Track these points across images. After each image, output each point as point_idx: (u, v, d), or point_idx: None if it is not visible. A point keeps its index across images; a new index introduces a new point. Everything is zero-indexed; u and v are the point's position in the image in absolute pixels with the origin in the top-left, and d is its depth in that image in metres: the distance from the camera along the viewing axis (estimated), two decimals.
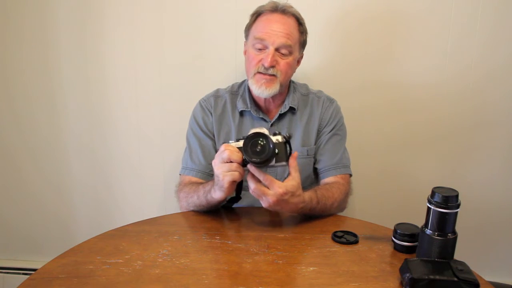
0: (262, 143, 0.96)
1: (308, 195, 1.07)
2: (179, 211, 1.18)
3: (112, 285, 0.80)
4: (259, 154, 0.95)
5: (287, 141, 1.00)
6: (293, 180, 1.00)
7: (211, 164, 1.21)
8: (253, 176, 0.99)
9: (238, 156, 0.98)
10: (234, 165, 0.98)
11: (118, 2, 1.56)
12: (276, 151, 0.97)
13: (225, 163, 0.99)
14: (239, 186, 1.15)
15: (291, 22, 1.20)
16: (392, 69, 1.58)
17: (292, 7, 1.22)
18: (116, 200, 1.76)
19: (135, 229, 1.03)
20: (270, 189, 0.98)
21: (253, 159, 0.95)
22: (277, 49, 1.17)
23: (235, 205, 1.23)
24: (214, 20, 1.56)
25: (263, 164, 0.96)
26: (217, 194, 1.04)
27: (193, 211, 1.16)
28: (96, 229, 1.09)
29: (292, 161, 1.00)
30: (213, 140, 1.27)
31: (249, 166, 0.98)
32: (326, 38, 1.56)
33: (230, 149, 0.99)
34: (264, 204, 1.01)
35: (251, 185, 0.99)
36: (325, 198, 1.12)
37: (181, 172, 1.27)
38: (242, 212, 1.17)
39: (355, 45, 1.56)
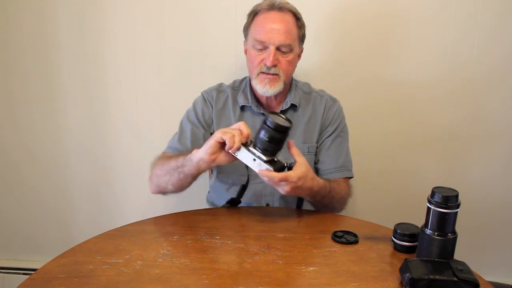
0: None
1: (322, 181, 1.10)
2: (179, 211, 1.18)
3: (112, 285, 0.80)
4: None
5: (286, 167, 1.02)
6: (301, 166, 1.01)
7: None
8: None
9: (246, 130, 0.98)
10: (236, 136, 0.97)
11: (117, 2, 1.57)
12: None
13: (232, 129, 0.99)
14: (242, 189, 1.17)
15: (289, 18, 1.20)
16: (391, 67, 1.58)
17: (288, 2, 1.22)
18: (116, 200, 1.76)
19: (135, 229, 1.03)
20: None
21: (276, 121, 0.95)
22: (277, 48, 1.17)
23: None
24: (214, 18, 1.56)
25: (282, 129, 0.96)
26: (198, 152, 1.03)
27: (162, 183, 1.15)
28: (96, 229, 1.09)
29: (293, 148, 1.02)
30: (206, 130, 1.27)
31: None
32: (323, 36, 1.56)
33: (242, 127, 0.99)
34: (282, 189, 1.02)
35: (264, 178, 0.98)
36: (334, 190, 1.15)
37: (164, 150, 1.27)
38: (242, 212, 1.17)
39: (354, 44, 1.56)
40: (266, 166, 0.97)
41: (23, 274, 1.81)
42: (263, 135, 0.97)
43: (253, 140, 1.00)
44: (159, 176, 1.16)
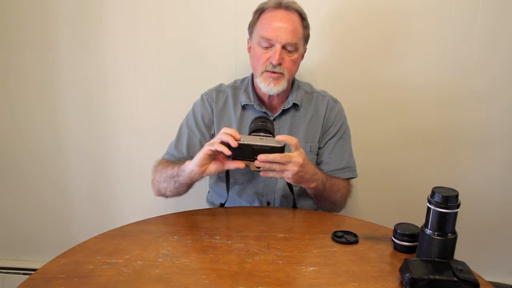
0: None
1: (320, 171, 1.14)
2: (179, 211, 1.18)
3: (112, 285, 0.80)
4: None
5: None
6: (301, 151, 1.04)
7: (191, 156, 1.23)
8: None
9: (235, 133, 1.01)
10: (222, 137, 1.00)
11: (118, 2, 1.57)
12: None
13: (216, 137, 1.01)
14: (220, 206, 1.21)
15: (295, 18, 1.21)
16: (392, 68, 1.58)
17: (295, 2, 1.23)
18: (116, 200, 1.76)
19: (135, 229, 1.03)
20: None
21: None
22: (283, 47, 1.18)
23: (234, 205, 1.23)
24: (214, 18, 1.56)
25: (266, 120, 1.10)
26: (190, 164, 1.06)
27: (162, 189, 1.19)
28: (96, 229, 1.09)
29: (289, 139, 1.02)
30: (202, 134, 1.28)
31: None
32: (323, 37, 1.55)
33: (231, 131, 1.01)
34: (291, 171, 1.02)
35: (276, 155, 0.99)
36: (334, 184, 1.18)
37: (163, 156, 1.29)
38: (242, 212, 1.17)
39: (354, 44, 1.56)
40: (276, 137, 1.01)
41: (23, 274, 1.81)
42: (260, 122, 1.06)
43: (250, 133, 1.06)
44: (158, 182, 1.20)
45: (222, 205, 1.23)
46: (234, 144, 0.98)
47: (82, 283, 0.81)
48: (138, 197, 1.74)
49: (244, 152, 1.00)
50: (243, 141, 0.99)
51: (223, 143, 1.00)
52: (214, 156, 1.04)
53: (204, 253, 0.94)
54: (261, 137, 1.01)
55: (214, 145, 1.00)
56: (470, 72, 1.56)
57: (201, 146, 1.26)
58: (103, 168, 1.73)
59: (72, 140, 1.71)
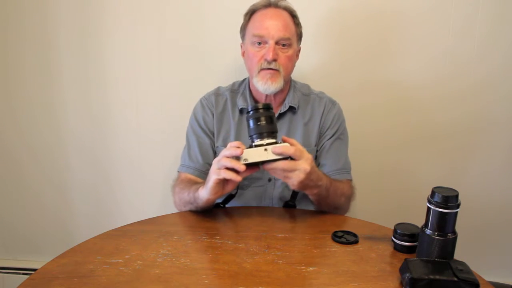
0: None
1: (323, 173, 1.09)
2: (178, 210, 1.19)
3: (112, 285, 0.80)
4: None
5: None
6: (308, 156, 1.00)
7: (208, 163, 1.23)
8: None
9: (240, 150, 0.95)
10: (226, 163, 0.95)
11: (118, 2, 1.57)
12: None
13: (219, 161, 0.97)
14: (229, 197, 1.17)
15: (286, 15, 1.22)
16: (391, 68, 1.58)
17: (284, 0, 1.24)
18: (116, 200, 1.76)
19: (135, 229, 1.03)
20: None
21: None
22: (276, 43, 1.18)
23: (234, 205, 1.23)
24: (214, 19, 1.56)
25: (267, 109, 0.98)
26: (202, 192, 1.04)
27: (185, 210, 1.16)
28: (96, 229, 1.09)
29: (286, 150, 0.97)
30: (211, 139, 1.28)
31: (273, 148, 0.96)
32: (322, 37, 1.56)
33: (235, 146, 0.96)
34: (297, 179, 0.98)
35: (280, 164, 0.96)
36: (336, 186, 1.14)
37: (179, 169, 1.28)
38: (242, 212, 1.17)
39: (353, 44, 1.56)
40: (279, 144, 0.96)
41: (23, 274, 1.81)
42: (259, 121, 0.97)
43: (251, 137, 0.99)
44: (179, 205, 1.18)
45: (232, 196, 1.19)
46: (241, 169, 0.94)
47: (82, 283, 0.81)
48: (138, 197, 1.75)
49: (251, 165, 0.97)
50: (247, 160, 0.95)
51: (229, 168, 0.96)
52: (223, 181, 1.00)
53: (204, 253, 0.94)
54: (265, 148, 0.96)
55: (220, 173, 0.96)
56: (470, 70, 1.56)
57: (213, 149, 1.27)
58: (103, 168, 1.73)
59: (72, 140, 1.71)
